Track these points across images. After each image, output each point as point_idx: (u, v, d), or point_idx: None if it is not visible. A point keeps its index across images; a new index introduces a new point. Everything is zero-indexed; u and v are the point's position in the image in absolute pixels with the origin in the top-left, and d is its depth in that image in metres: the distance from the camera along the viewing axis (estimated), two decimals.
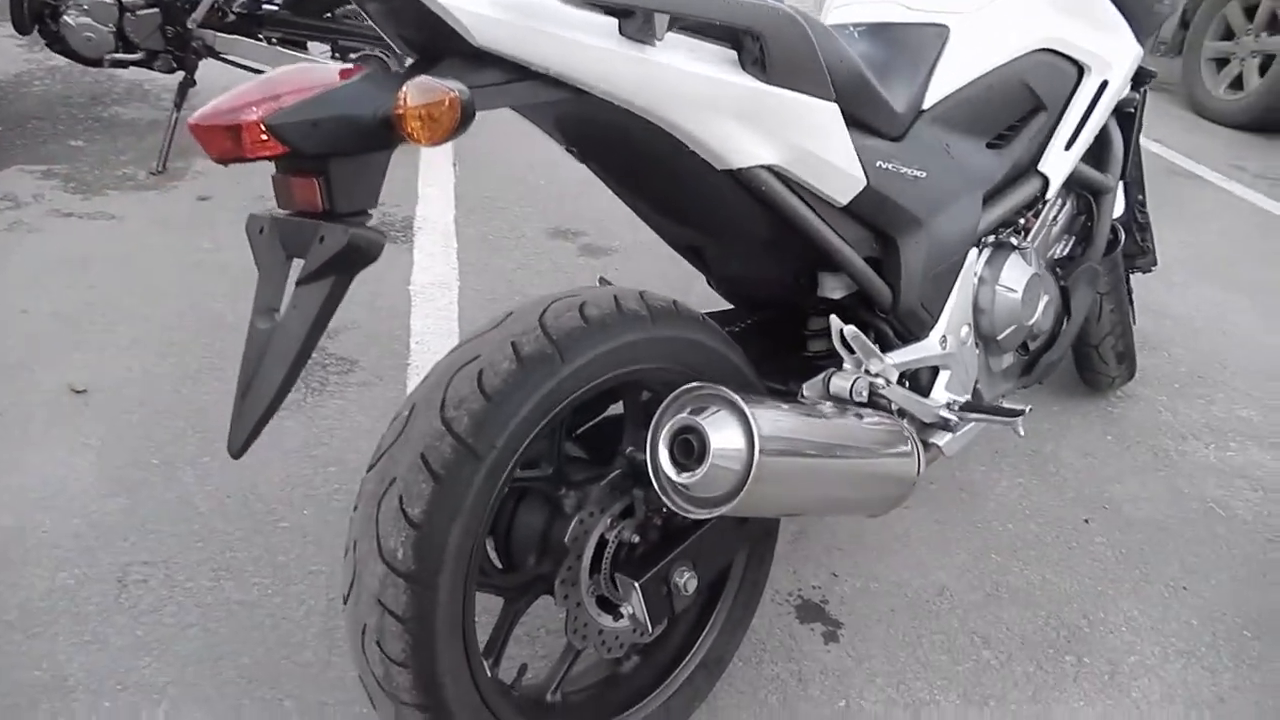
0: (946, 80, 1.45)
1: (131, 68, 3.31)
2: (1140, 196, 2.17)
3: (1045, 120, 1.63)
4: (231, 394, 1.00)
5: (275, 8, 3.32)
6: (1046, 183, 1.65)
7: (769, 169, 1.18)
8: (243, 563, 1.62)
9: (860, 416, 1.25)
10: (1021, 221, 1.67)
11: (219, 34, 3.26)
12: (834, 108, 1.22)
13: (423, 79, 0.90)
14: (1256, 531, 1.93)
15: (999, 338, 1.60)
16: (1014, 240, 1.63)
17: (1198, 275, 3.12)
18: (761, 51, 1.13)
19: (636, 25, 1.02)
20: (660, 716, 1.31)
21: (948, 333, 1.50)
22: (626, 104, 1.06)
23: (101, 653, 1.43)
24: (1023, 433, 1.53)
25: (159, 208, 2.99)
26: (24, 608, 1.50)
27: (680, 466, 1.04)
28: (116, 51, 3.22)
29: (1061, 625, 1.65)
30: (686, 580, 1.20)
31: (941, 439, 1.49)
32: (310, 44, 3.40)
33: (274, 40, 3.32)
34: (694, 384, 1.08)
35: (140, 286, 2.52)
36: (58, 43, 3.22)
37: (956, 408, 1.49)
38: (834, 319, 1.32)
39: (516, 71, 1.00)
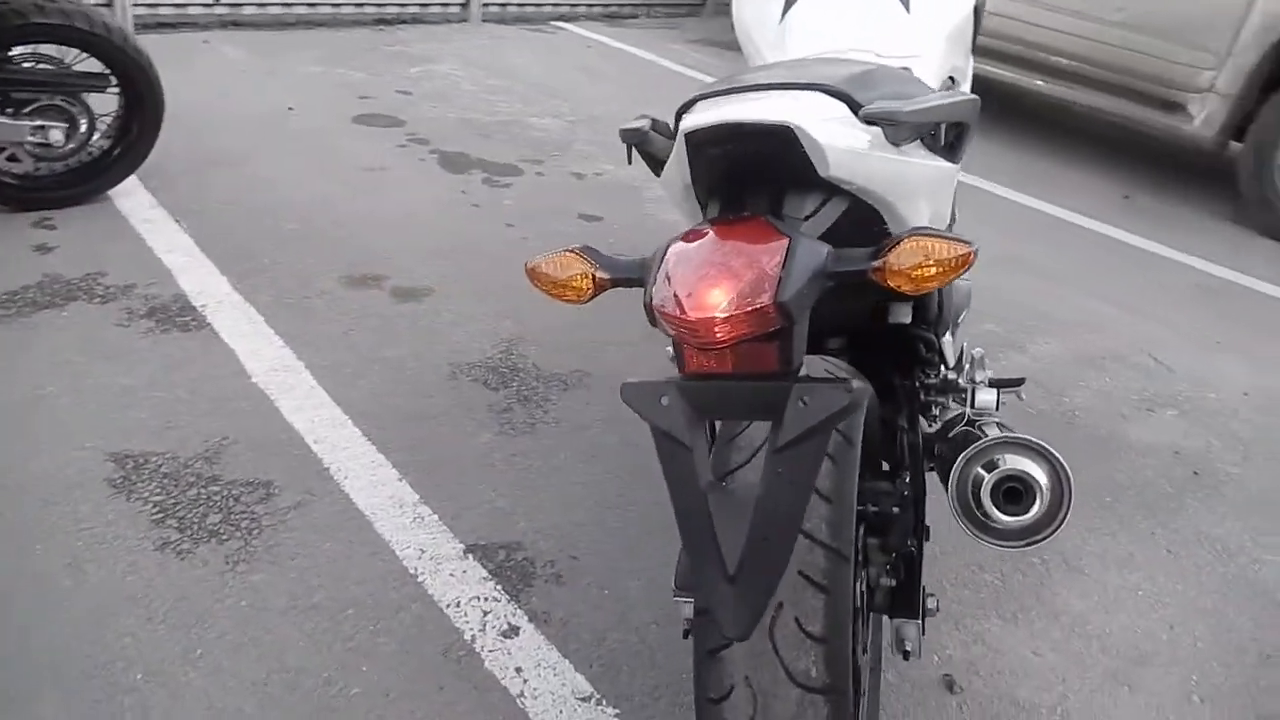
0: None
1: None
2: None
3: None
4: None
5: None
6: None
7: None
8: None
9: None
10: None
11: None
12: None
13: (918, 239, 0.93)
14: None
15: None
16: None
17: None
18: (958, 138, 1.31)
19: (901, 134, 1.14)
20: None
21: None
22: (876, 198, 1.15)
23: None
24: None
25: None
26: None
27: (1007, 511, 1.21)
28: None
29: None
30: None
31: None
32: None
33: None
34: (990, 439, 1.24)
35: None
36: None
37: None
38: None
39: (830, 191, 1.09)
